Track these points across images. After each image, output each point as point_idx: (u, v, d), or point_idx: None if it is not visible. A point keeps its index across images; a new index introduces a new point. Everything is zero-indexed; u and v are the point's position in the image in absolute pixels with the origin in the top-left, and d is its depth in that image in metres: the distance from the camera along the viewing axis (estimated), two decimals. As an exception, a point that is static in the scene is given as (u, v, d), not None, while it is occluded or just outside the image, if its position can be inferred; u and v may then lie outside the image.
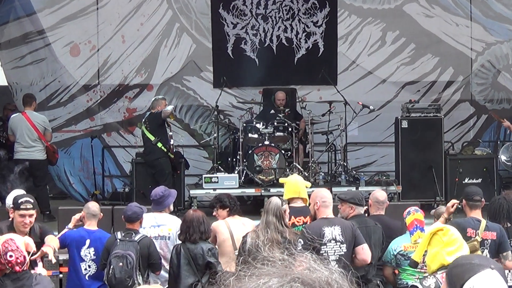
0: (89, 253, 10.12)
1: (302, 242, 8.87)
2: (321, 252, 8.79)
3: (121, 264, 9.41)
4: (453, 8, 20.13)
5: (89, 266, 10.14)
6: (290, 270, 1.90)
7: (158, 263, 9.79)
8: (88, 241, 10.12)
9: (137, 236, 9.70)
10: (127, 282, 9.36)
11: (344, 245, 8.95)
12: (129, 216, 9.93)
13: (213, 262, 9.26)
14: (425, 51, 20.16)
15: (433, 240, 5.72)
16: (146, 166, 16.16)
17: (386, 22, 20.20)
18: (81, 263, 10.10)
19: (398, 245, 9.71)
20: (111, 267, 9.41)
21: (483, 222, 9.23)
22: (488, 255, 8.90)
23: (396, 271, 9.80)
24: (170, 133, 16.41)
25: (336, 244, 8.94)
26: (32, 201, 9.04)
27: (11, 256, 6.99)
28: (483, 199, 9.68)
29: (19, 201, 8.84)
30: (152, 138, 15.74)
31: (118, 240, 9.63)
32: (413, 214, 9.81)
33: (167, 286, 9.72)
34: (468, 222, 9.30)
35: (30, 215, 8.83)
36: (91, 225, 10.27)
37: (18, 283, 7.03)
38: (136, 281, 9.41)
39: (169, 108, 15.85)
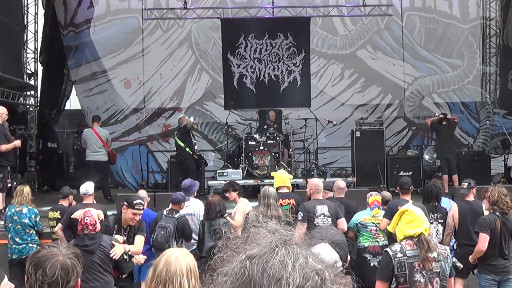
0: None
1: (302, 214, 9.05)
2: (314, 222, 8.92)
3: (162, 232, 9.44)
4: (390, 52, 20.21)
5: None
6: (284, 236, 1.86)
7: (189, 235, 9.76)
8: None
9: (177, 214, 9.74)
10: (164, 245, 9.41)
11: (330, 218, 9.01)
12: (173, 199, 9.99)
13: (225, 231, 9.32)
14: (372, 83, 20.20)
15: (402, 218, 5.83)
16: (178, 165, 16.16)
17: (344, 63, 20.27)
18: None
19: (359, 217, 9.72)
20: (155, 233, 9.46)
21: (410, 202, 9.29)
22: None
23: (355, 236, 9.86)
24: (195, 141, 16.41)
25: (324, 217, 8.99)
26: (143, 203, 8.86)
27: (86, 219, 7.34)
28: (411, 187, 9.75)
29: (134, 202, 8.52)
30: (182, 144, 15.71)
31: (164, 216, 9.71)
32: (374, 196, 9.80)
33: (194, 248, 9.77)
34: (400, 202, 9.34)
35: (140, 214, 8.74)
36: None
37: (92, 240, 7.32)
38: (171, 245, 9.49)
39: (191, 119, 15.91)
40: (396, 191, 10.08)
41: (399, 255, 5.63)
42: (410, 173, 16.14)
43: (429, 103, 20.24)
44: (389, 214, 9.19)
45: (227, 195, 10.48)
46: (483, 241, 8.06)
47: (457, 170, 15.95)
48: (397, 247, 5.70)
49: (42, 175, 19.00)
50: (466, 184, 9.79)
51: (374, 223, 9.54)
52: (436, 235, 9.33)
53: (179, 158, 16.01)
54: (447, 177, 15.79)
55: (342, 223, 9.23)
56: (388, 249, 5.81)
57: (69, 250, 3.60)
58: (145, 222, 9.88)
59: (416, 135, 19.81)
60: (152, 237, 9.53)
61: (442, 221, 9.29)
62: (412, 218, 5.75)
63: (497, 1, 20.18)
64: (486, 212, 8.70)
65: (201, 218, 10.09)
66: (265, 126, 17.00)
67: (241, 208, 9.91)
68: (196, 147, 16.27)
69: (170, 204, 9.91)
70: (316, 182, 9.62)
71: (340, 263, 3.75)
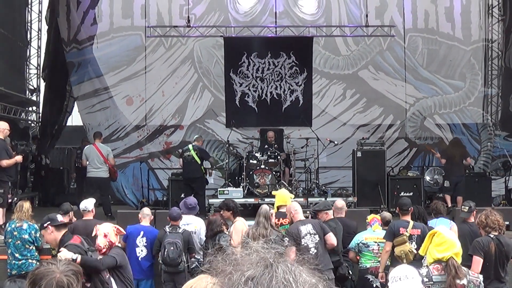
0: (142, 241, 10.25)
1: (288, 239, 8.91)
2: (301, 244, 8.81)
3: (172, 248, 9.54)
4: (392, 73, 20.28)
5: (142, 250, 10.26)
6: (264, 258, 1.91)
7: (194, 247, 9.93)
8: (142, 233, 10.27)
9: (180, 229, 9.87)
10: (178, 260, 9.55)
11: (317, 235, 8.90)
12: (174, 216, 10.06)
13: (224, 245, 9.36)
14: (373, 103, 20.25)
15: (432, 240, 5.66)
16: (187, 181, 15.98)
17: (346, 83, 20.33)
18: (136, 248, 10.22)
19: (361, 237, 9.75)
20: (165, 250, 9.53)
21: (411, 223, 9.29)
22: (415, 246, 8.99)
23: (358, 257, 9.85)
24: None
25: (311, 236, 8.92)
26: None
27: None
28: (411, 208, 9.75)
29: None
30: (199, 162, 15.67)
31: (168, 233, 9.78)
32: (372, 215, 9.93)
33: (194, 265, 9.81)
34: (400, 223, 9.37)
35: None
36: (144, 222, 10.42)
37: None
38: (183, 259, 9.62)
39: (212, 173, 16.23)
40: (396, 211, 10.10)
41: (425, 279, 5.45)
42: (411, 193, 16.12)
43: (430, 124, 20.28)
44: (390, 236, 9.22)
45: (222, 213, 10.52)
46: (476, 264, 7.97)
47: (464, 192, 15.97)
48: (424, 271, 5.49)
49: (41, 191, 19.01)
50: (467, 207, 9.82)
51: (376, 242, 9.55)
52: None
53: (194, 174, 15.67)
54: (449, 197, 15.84)
55: (330, 237, 9.12)
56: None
57: (68, 267, 3.61)
58: (148, 239, 10.01)
59: (421, 153, 19.78)
60: (162, 254, 9.60)
61: None
62: (441, 241, 5.54)
63: (500, 23, 20.28)
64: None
65: (202, 236, 10.18)
66: (266, 146, 17.01)
67: (238, 228, 9.92)
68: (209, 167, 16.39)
69: (170, 221, 9.99)
70: (293, 205, 9.57)
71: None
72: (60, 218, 8.30)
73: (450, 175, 16.54)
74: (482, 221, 8.10)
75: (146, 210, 10.76)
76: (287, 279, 1.78)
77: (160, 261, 9.74)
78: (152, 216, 10.74)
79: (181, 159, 16.03)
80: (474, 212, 9.83)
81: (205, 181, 16.56)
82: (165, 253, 9.51)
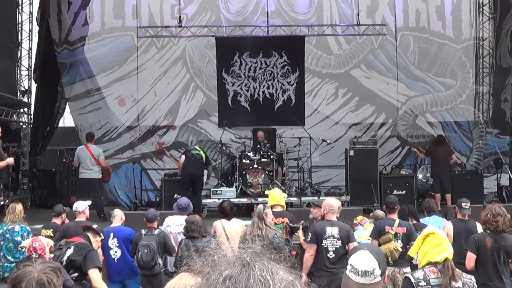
0: (114, 242, 10.21)
1: (311, 235, 8.88)
2: (322, 244, 8.76)
3: (146, 250, 9.48)
4: (384, 72, 20.28)
5: (116, 252, 10.21)
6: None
7: (172, 248, 9.82)
8: (112, 234, 10.21)
9: (156, 231, 9.79)
10: (151, 263, 9.47)
11: (340, 241, 8.77)
12: (149, 217, 10.05)
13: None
14: (366, 102, 20.25)
15: (426, 241, 5.50)
16: (180, 180, 15.86)
17: (338, 82, 20.32)
18: (110, 251, 10.17)
19: (355, 236, 9.78)
20: (139, 253, 9.47)
21: (397, 221, 9.28)
22: (401, 244, 9.00)
23: None
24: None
25: (334, 240, 8.75)
26: None
27: (35, 244, 6.85)
28: (397, 206, 9.71)
29: None
30: (204, 162, 15.60)
31: (143, 235, 9.73)
32: (359, 216, 9.95)
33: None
34: (386, 221, 9.36)
35: None
36: (115, 223, 10.37)
37: None
38: (157, 262, 9.54)
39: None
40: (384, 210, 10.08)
41: (422, 283, 5.35)
42: (404, 192, 16.19)
43: (422, 122, 20.30)
44: (376, 234, 9.22)
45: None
46: (468, 259, 7.99)
47: (451, 190, 16.09)
48: (420, 274, 5.33)
49: (35, 192, 18.95)
50: (468, 205, 9.82)
51: (369, 239, 9.53)
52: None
53: (198, 172, 15.55)
54: (439, 196, 15.98)
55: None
56: (410, 275, 5.44)
57: (45, 265, 3.62)
58: (119, 239, 9.95)
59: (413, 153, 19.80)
60: (137, 257, 9.55)
61: None
62: (439, 242, 5.44)
63: (490, 22, 20.30)
64: (480, 230, 8.69)
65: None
66: (259, 145, 17.00)
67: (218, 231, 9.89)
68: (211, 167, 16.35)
69: (146, 223, 9.99)
70: (330, 202, 9.30)
71: (378, 271, 3.67)
72: None
73: (435, 173, 16.63)
74: (484, 219, 8.08)
75: (116, 211, 10.63)
76: (264, 277, 1.81)
77: (135, 264, 9.68)
78: (123, 217, 10.63)
79: (183, 156, 15.88)
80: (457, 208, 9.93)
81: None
82: (139, 256, 9.44)
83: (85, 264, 7.48)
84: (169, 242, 9.78)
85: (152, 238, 9.61)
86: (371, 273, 3.63)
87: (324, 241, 8.81)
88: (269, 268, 1.85)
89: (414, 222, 9.65)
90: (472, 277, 5.72)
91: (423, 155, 17.30)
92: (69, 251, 7.58)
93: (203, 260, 1.95)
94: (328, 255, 8.77)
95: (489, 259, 7.98)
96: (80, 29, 19.36)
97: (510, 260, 8.05)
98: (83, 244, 7.76)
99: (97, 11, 19.89)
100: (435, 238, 5.49)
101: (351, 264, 3.68)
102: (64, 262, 7.42)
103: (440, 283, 5.33)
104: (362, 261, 3.65)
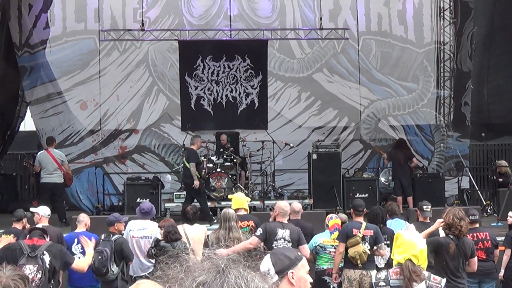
0: (78, 248, 10.12)
1: (261, 231, 8.94)
2: (272, 245, 8.72)
3: (99, 257, 9.42)
4: (347, 76, 20.39)
5: (79, 258, 10.09)
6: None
7: (129, 256, 9.71)
8: (76, 240, 10.13)
9: (114, 237, 9.70)
10: (102, 270, 9.40)
11: (290, 243, 8.82)
12: (108, 222, 10.00)
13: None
14: (328, 106, 20.31)
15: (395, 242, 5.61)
16: (136, 185, 15.79)
17: (301, 86, 20.36)
18: (74, 256, 10.06)
19: (318, 239, 9.75)
20: (93, 259, 9.42)
21: (364, 224, 9.35)
22: (368, 246, 9.09)
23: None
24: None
25: (284, 242, 8.83)
26: None
27: None
28: (365, 209, 9.82)
29: None
30: (188, 166, 14.89)
31: (101, 240, 9.68)
32: (334, 219, 9.88)
33: (151, 270, 9.69)
34: (353, 224, 9.44)
35: None
36: (79, 228, 10.29)
37: None
38: (110, 269, 9.46)
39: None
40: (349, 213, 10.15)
41: (382, 283, 5.44)
42: (366, 195, 16.34)
43: (385, 125, 20.44)
44: (343, 237, 9.27)
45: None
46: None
47: (412, 192, 16.28)
48: (383, 274, 5.41)
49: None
50: (429, 207, 9.96)
51: (333, 245, 9.59)
52: (382, 257, 9.43)
53: (188, 181, 14.96)
54: (401, 199, 16.15)
55: (304, 249, 8.98)
56: (373, 275, 5.54)
57: (14, 272, 3.59)
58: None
59: (375, 155, 19.94)
60: (91, 263, 9.47)
61: (389, 242, 9.33)
62: (400, 242, 5.52)
63: (451, 26, 20.54)
64: (442, 233, 8.78)
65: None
66: (222, 149, 16.99)
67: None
68: (204, 171, 15.72)
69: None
70: (282, 205, 9.48)
71: (273, 271, 3.72)
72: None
73: (396, 176, 16.81)
74: (449, 222, 8.15)
75: (82, 217, 10.56)
76: (239, 284, 1.80)
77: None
78: (89, 222, 10.55)
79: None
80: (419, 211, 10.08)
81: (161, 185, 16.46)
82: (92, 261, 9.37)
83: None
84: (126, 249, 9.65)
85: (108, 244, 9.51)
86: (267, 274, 3.68)
87: (274, 242, 8.88)
88: (244, 275, 1.83)
89: (381, 226, 9.72)
90: (443, 280, 5.74)
91: (387, 160, 17.39)
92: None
93: (178, 266, 1.93)
94: None
95: (448, 263, 8.09)
96: (41, 32, 19.15)
97: (467, 263, 8.19)
98: None
99: (59, 14, 19.69)
100: (398, 239, 5.57)
101: None
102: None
103: (400, 284, 5.40)
104: (262, 263, 3.73)
